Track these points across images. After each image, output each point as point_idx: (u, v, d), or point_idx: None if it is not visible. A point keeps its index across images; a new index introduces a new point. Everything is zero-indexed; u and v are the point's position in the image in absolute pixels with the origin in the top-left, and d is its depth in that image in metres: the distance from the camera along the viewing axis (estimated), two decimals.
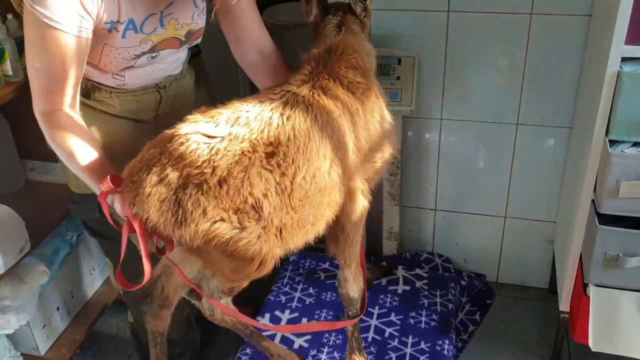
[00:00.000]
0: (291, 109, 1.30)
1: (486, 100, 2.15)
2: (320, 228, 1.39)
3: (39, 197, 2.12)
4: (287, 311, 2.14)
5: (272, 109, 1.29)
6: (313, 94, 1.37)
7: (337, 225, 1.51)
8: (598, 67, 1.68)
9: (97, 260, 2.30)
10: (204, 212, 1.15)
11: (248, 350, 1.96)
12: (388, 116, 1.57)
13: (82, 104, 1.39)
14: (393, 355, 1.95)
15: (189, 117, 1.26)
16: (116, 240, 1.27)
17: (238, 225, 1.19)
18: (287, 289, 2.25)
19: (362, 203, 1.52)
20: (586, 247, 1.79)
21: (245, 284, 1.42)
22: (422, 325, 2.06)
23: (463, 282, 2.31)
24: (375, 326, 2.07)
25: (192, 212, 1.15)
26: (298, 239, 1.33)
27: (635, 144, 1.64)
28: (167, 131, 1.24)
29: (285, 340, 2.00)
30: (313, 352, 1.97)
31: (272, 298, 2.20)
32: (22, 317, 1.92)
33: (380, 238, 2.40)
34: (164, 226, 1.17)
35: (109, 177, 1.22)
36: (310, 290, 2.24)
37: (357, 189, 1.49)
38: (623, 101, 1.58)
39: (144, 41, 1.40)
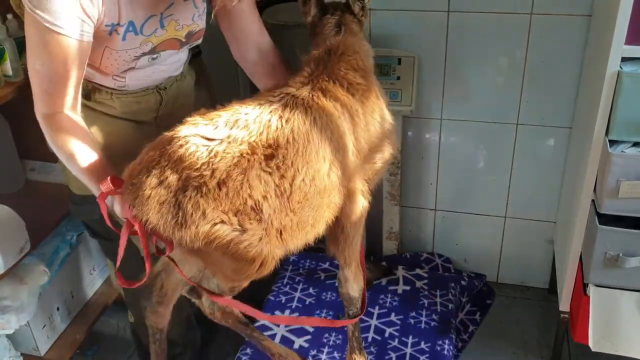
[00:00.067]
0: (290, 111, 1.31)
1: (486, 100, 2.15)
2: (320, 229, 1.39)
3: (39, 197, 2.12)
4: (287, 311, 2.14)
5: (271, 112, 1.29)
6: (312, 96, 1.37)
7: (337, 226, 1.51)
8: (598, 67, 1.68)
9: (97, 260, 2.30)
10: (204, 214, 1.16)
11: (248, 350, 1.96)
12: (388, 117, 1.57)
13: (82, 105, 1.39)
14: (393, 355, 1.95)
15: (188, 119, 1.26)
16: (116, 241, 1.27)
17: (239, 227, 1.19)
18: (287, 289, 2.25)
19: (361, 204, 1.52)
20: (586, 247, 1.79)
21: (245, 283, 1.42)
22: (422, 325, 2.06)
23: (463, 282, 2.31)
24: (376, 326, 2.07)
25: (192, 214, 1.15)
26: (298, 241, 1.33)
27: (635, 144, 1.64)
28: (166, 133, 1.24)
29: (286, 340, 2.01)
30: (313, 352, 1.97)
31: (272, 298, 2.20)
32: (22, 317, 1.92)
33: (380, 238, 2.41)
34: (164, 228, 1.17)
35: (108, 178, 1.22)
36: (310, 290, 2.24)
37: (356, 189, 1.49)
38: (623, 101, 1.58)
39: (145, 43, 1.40)
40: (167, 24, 1.41)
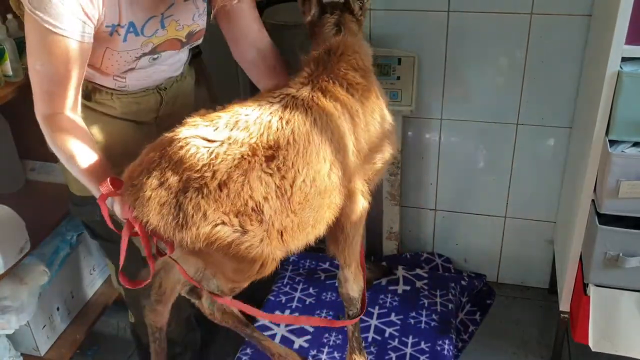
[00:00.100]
0: (290, 112, 1.30)
1: (486, 100, 2.15)
2: (320, 230, 1.39)
3: (39, 197, 2.12)
4: (287, 311, 2.14)
5: (271, 113, 1.29)
6: (312, 96, 1.37)
7: (337, 226, 1.50)
8: (598, 67, 1.68)
9: (97, 260, 2.30)
10: (205, 216, 1.16)
11: (248, 350, 1.96)
12: (388, 117, 1.57)
13: (82, 105, 1.39)
14: (393, 355, 1.95)
15: (188, 120, 1.26)
16: (117, 242, 1.27)
17: (240, 228, 1.19)
18: (287, 289, 2.25)
19: (361, 204, 1.52)
20: (586, 247, 1.79)
21: (246, 284, 1.42)
22: (422, 325, 2.06)
23: (463, 282, 2.31)
24: (376, 326, 2.07)
25: (192, 216, 1.15)
26: (299, 241, 1.33)
27: (635, 144, 1.64)
28: (166, 134, 1.24)
29: (286, 340, 2.01)
30: (313, 352, 1.97)
31: (272, 298, 2.20)
32: (22, 317, 1.92)
33: (380, 238, 2.41)
34: (165, 229, 1.17)
35: (108, 179, 1.22)
36: (310, 290, 2.24)
37: (357, 190, 1.49)
38: (623, 101, 1.58)
39: (146, 43, 1.40)
40: (167, 24, 1.41)
